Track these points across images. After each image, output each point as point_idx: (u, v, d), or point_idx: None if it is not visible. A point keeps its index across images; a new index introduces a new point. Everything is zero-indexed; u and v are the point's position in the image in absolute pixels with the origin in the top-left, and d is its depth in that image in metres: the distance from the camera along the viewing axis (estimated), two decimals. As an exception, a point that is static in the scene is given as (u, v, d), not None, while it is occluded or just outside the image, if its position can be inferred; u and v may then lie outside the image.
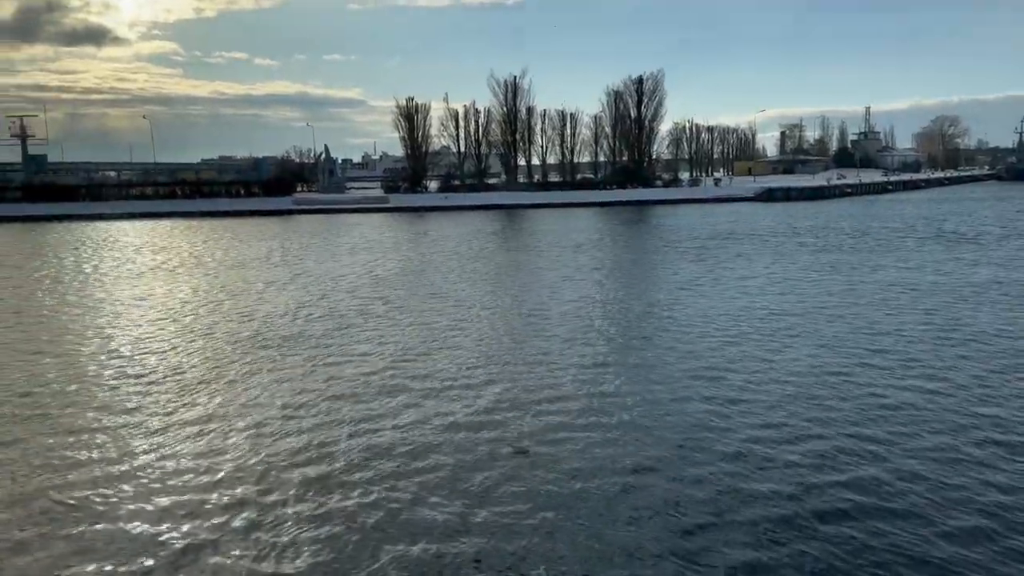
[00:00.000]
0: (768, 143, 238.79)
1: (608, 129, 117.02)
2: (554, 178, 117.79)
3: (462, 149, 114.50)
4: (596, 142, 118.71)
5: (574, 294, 25.57)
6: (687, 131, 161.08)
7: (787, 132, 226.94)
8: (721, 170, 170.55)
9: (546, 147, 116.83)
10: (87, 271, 35.80)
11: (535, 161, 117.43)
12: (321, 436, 12.10)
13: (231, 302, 25.79)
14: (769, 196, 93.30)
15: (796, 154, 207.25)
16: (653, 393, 14.08)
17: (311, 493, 10.00)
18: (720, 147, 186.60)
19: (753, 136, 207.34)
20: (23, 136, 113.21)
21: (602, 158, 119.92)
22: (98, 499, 9.93)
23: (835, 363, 15.90)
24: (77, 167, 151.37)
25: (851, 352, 16.79)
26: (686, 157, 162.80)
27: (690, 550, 8.38)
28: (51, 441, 12.06)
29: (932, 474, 10.24)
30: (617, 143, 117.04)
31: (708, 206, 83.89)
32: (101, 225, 71.61)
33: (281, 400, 14.08)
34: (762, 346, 17.56)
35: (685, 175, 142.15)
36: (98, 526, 9.17)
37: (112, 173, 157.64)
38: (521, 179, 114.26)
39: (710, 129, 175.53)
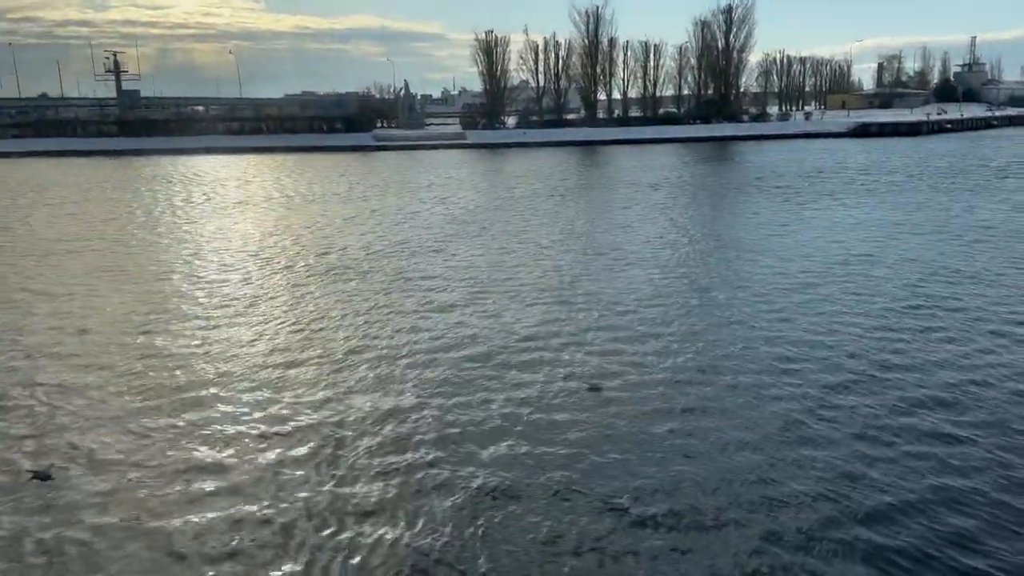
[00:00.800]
0: (864, 76, 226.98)
1: (693, 61, 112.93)
2: (635, 113, 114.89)
3: (541, 84, 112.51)
4: (680, 75, 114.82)
5: (649, 234, 25.15)
6: (777, 63, 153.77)
7: (885, 64, 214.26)
8: (813, 104, 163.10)
9: (627, 80, 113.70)
10: (176, 204, 37.12)
11: (616, 95, 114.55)
12: (394, 369, 12.35)
13: (310, 236, 26.38)
14: (863, 131, 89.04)
15: (894, 87, 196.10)
16: (726, 335, 13.83)
17: (382, 425, 10.25)
18: (812, 80, 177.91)
19: (848, 68, 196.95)
20: (117, 71, 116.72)
21: (686, 92, 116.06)
22: (197, 416, 10.49)
23: (922, 311, 15.24)
24: (167, 102, 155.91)
25: (940, 298, 16.05)
26: (775, 91, 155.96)
27: (756, 492, 8.29)
28: (142, 365, 12.68)
29: None
30: (702, 76, 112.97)
31: (797, 142, 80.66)
32: (189, 159, 73.85)
33: (352, 330, 14.42)
34: (845, 290, 16.94)
35: (774, 109, 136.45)
36: (194, 434, 9.71)
37: (200, 108, 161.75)
38: (601, 114, 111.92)
39: (802, 60, 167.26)
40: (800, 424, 10.06)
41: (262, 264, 21.55)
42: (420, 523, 7.88)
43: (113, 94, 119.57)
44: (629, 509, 8.07)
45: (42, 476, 8.97)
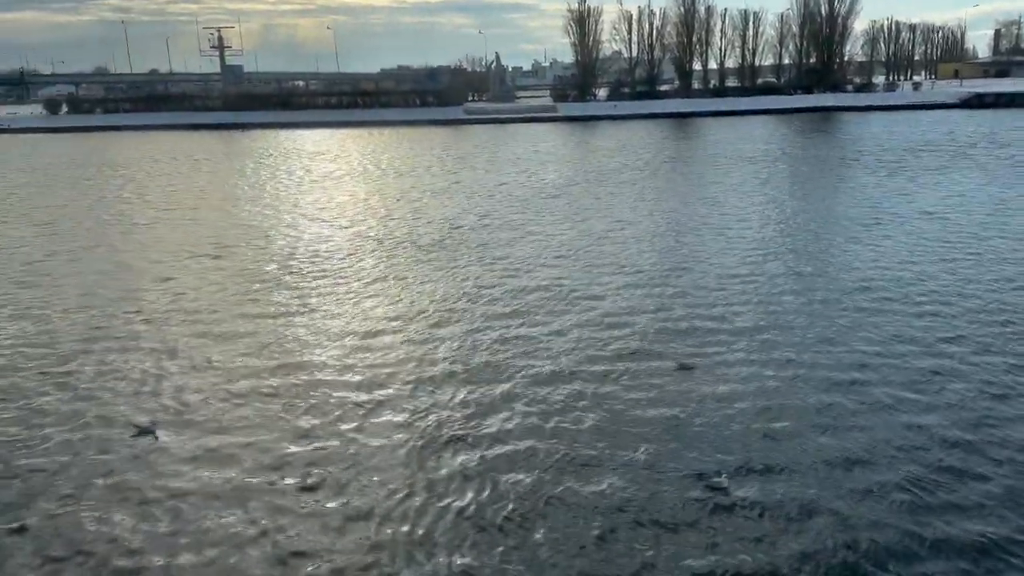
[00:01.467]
0: (979, 43, 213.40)
1: (795, 28, 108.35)
2: (732, 83, 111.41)
3: (634, 54, 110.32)
4: (781, 43, 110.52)
5: (743, 210, 24.51)
6: (885, 30, 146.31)
7: (1002, 30, 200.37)
8: (922, 73, 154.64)
9: (724, 50, 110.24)
10: (276, 175, 38.38)
11: (712, 65, 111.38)
12: (482, 337, 12.55)
13: (399, 208, 26.91)
14: (977, 102, 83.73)
15: (1012, 55, 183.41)
16: (819, 315, 13.44)
17: (471, 400, 10.46)
18: (922, 48, 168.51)
19: (962, 35, 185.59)
20: (221, 47, 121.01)
21: (787, 60, 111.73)
22: (301, 372, 10.98)
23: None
24: (269, 77, 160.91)
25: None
26: (882, 59, 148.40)
27: (852, 479, 8.10)
28: (245, 329, 13.29)
29: None
30: (804, 44, 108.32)
31: (904, 113, 76.64)
32: (289, 133, 76.03)
33: (438, 302, 14.70)
34: (947, 271, 16.17)
35: (880, 79, 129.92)
36: (301, 388, 10.18)
37: (300, 83, 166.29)
38: (695, 85, 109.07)
39: (912, 27, 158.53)
40: (904, 407, 9.74)
41: (353, 236, 22.14)
42: (507, 489, 8.04)
43: (218, 70, 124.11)
44: (727, 489, 8.03)
45: (146, 431, 9.55)
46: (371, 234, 22.31)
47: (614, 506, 7.79)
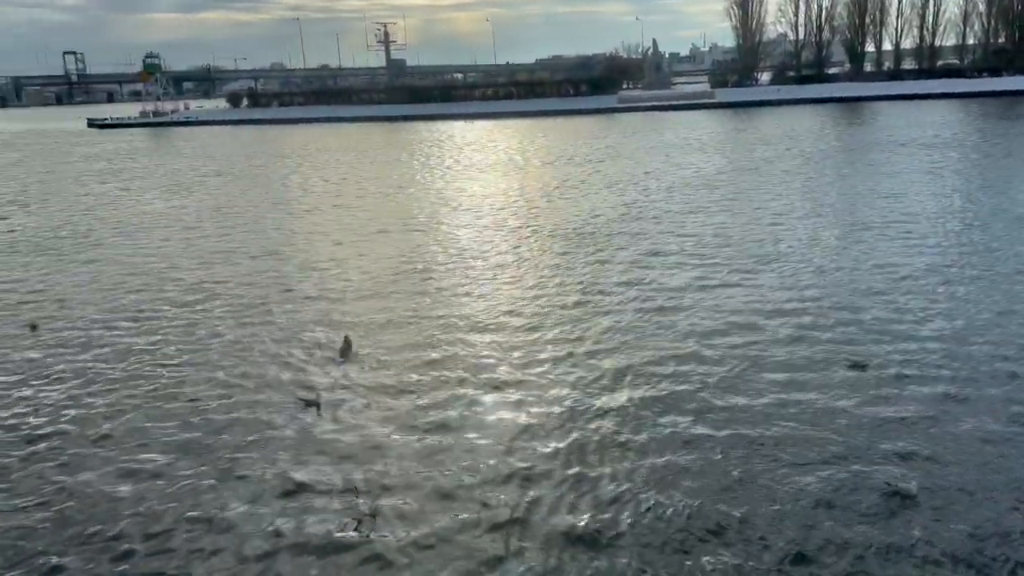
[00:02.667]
0: None
1: (982, 6, 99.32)
2: (908, 65, 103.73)
3: (800, 36, 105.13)
4: (965, 21, 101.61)
5: (919, 204, 22.63)
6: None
7: None
8: None
9: (901, 30, 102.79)
10: (430, 166, 39.61)
11: (886, 46, 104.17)
12: (639, 337, 12.38)
13: (538, 197, 27.07)
14: None
15: None
16: (1002, 313, 12.28)
17: (636, 395, 10.36)
18: None
19: None
20: (386, 42, 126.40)
21: (971, 40, 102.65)
22: (464, 349, 11.33)
23: None
24: (430, 70, 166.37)
25: None
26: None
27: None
28: (411, 305, 13.82)
29: None
30: (992, 21, 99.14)
31: (1113, 95, 68.49)
32: (447, 124, 78.25)
33: (588, 289, 14.63)
34: None
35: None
36: (460, 357, 10.53)
37: (459, 75, 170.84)
38: (868, 67, 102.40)
39: None
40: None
41: (496, 225, 22.46)
42: (679, 482, 7.90)
43: (383, 64, 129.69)
44: (916, 497, 7.51)
45: (311, 404, 10.12)
46: (511, 223, 22.56)
47: (808, 505, 7.50)
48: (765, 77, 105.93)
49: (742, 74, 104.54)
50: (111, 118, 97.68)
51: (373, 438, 9.23)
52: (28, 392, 11.04)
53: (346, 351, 11.64)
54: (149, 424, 9.83)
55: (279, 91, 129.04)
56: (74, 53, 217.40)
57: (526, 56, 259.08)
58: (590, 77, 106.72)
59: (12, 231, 24.62)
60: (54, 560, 7.12)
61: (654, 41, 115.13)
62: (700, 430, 9.06)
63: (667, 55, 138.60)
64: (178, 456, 8.98)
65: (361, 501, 7.83)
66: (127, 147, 62.76)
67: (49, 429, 9.81)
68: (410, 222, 23.65)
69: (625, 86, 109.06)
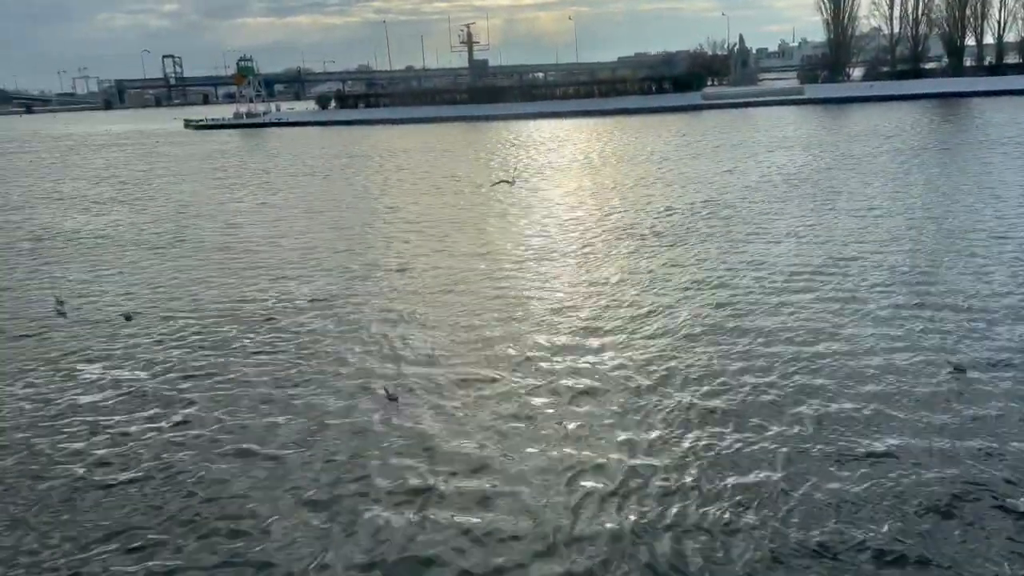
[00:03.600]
0: None
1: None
2: (1012, 60, 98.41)
3: (895, 30, 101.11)
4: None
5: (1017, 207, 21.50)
6: None
7: None
8: None
9: (1005, 22, 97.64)
10: (507, 164, 39.82)
11: (987, 40, 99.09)
12: (730, 341, 12.23)
13: (612, 196, 26.96)
14: None
15: None
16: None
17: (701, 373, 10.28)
18: None
19: None
20: (469, 43, 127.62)
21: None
22: (542, 338, 11.47)
23: None
24: (511, 70, 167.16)
25: None
26: None
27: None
28: (481, 305, 14.03)
29: None
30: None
31: None
32: (526, 124, 78.53)
33: (667, 286, 14.51)
34: None
35: None
36: (522, 369, 10.67)
37: (540, 75, 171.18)
38: (968, 62, 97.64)
39: None
40: None
41: (565, 222, 22.47)
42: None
43: (466, 64, 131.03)
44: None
45: (391, 397, 10.38)
46: (601, 218, 22.54)
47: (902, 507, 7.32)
48: (857, 73, 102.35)
49: (833, 70, 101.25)
50: (206, 119, 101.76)
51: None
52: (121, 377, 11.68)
53: None
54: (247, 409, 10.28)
55: (365, 92, 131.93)
56: (172, 57, 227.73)
57: (608, 54, 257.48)
58: (673, 74, 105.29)
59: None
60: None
61: (740, 37, 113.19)
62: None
63: (754, 51, 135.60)
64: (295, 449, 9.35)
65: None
66: (221, 147, 65.32)
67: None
68: (481, 221, 23.92)
69: (710, 83, 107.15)
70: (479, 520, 7.46)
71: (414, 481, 8.24)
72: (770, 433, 8.88)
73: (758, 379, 10.41)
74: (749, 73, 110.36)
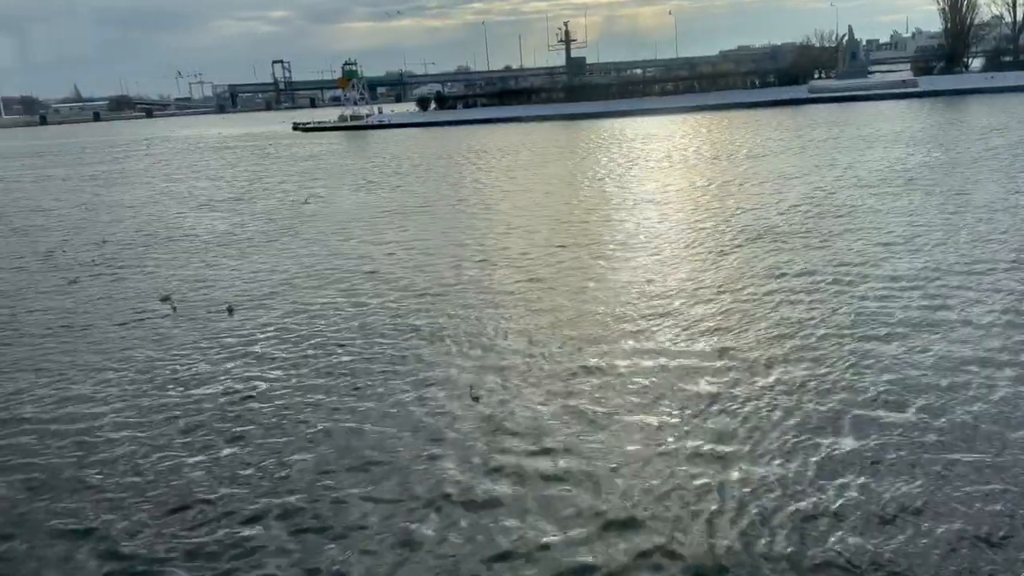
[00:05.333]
0: None
1: None
2: None
3: (1019, 18, 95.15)
4: None
5: None
6: None
7: None
8: None
9: None
10: (599, 163, 39.63)
11: None
12: (840, 347, 11.97)
13: (722, 194, 26.35)
14: None
15: None
16: None
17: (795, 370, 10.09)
18: None
19: None
20: (567, 41, 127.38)
21: None
22: (633, 339, 11.52)
23: None
24: (609, 67, 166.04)
25: None
26: None
27: None
28: (578, 304, 14.14)
29: None
30: None
31: None
32: (623, 121, 77.83)
33: (770, 286, 14.23)
34: None
35: None
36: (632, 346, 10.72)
37: (638, 71, 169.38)
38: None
39: None
40: None
41: (660, 218, 22.23)
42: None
43: (563, 63, 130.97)
44: None
45: (474, 398, 10.58)
46: (697, 218, 22.21)
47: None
48: (976, 63, 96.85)
49: (949, 60, 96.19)
50: (313, 122, 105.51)
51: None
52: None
53: None
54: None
55: (463, 93, 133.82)
56: (281, 62, 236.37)
57: (709, 48, 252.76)
58: (778, 68, 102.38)
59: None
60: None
61: (849, 28, 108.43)
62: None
63: (864, 42, 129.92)
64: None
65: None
66: (327, 148, 67.55)
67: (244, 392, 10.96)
68: (582, 216, 23.95)
69: (816, 76, 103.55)
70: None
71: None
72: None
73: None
74: (859, 65, 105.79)
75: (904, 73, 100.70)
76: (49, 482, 8.96)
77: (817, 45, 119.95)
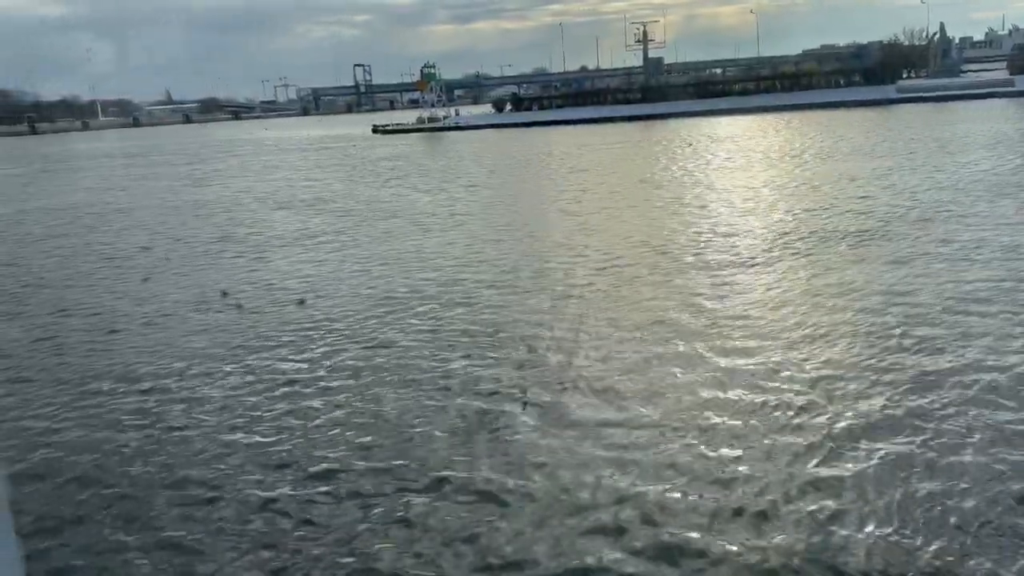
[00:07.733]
0: None
1: None
2: None
3: None
4: None
5: None
6: None
7: None
8: None
9: None
10: (669, 163, 39.21)
11: None
12: (884, 342, 11.68)
13: (797, 197, 25.80)
14: None
15: None
16: None
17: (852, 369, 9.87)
18: None
19: None
20: (644, 41, 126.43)
21: None
22: (700, 338, 11.46)
23: None
24: (687, 67, 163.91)
25: None
26: None
27: None
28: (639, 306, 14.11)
29: None
30: None
31: None
32: (700, 121, 76.72)
33: (834, 293, 13.90)
34: None
35: None
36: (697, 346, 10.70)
37: (718, 71, 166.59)
38: None
39: None
40: None
41: (740, 218, 21.88)
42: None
43: (641, 63, 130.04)
44: None
45: (526, 404, 10.47)
46: (776, 218, 21.83)
47: None
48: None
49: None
50: (392, 124, 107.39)
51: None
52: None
53: None
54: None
55: (539, 95, 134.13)
56: (362, 65, 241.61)
57: (792, 47, 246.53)
58: (864, 66, 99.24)
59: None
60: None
61: (941, 25, 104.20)
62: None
63: (956, 40, 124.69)
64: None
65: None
66: (407, 150, 68.74)
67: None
68: (658, 215, 23.80)
69: (905, 75, 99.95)
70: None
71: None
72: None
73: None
74: (951, 64, 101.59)
75: (1000, 72, 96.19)
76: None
77: (906, 43, 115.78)
